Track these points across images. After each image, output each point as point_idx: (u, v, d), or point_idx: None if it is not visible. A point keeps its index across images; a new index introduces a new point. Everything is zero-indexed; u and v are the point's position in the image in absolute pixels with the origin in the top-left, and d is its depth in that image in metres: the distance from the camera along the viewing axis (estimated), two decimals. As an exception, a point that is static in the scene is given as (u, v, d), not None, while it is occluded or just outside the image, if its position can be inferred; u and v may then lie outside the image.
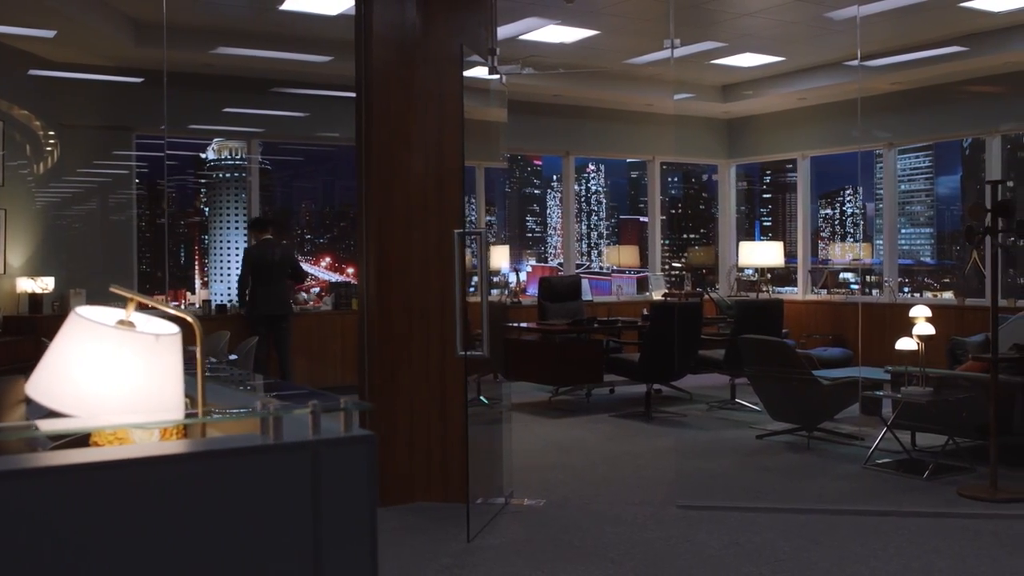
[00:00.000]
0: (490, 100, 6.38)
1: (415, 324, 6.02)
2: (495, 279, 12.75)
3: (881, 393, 7.21)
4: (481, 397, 7.86)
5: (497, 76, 6.09)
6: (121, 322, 2.17)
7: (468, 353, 5.39)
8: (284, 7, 8.48)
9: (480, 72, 6.14)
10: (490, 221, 12.76)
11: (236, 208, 13.07)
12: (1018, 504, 5.87)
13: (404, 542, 5.24)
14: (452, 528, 5.42)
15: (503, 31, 9.17)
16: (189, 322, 2.19)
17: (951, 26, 9.48)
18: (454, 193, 5.98)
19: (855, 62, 10.42)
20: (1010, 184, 13.07)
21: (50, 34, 8.64)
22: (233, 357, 7.58)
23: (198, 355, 2.19)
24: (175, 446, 1.98)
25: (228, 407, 2.29)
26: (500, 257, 12.36)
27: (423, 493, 6.03)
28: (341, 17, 8.44)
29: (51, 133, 10.03)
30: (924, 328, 6.92)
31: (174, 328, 2.20)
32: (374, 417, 6.03)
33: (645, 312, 10.37)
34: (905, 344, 6.84)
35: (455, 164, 5.94)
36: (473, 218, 12.21)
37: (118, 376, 2.07)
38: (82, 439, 2.28)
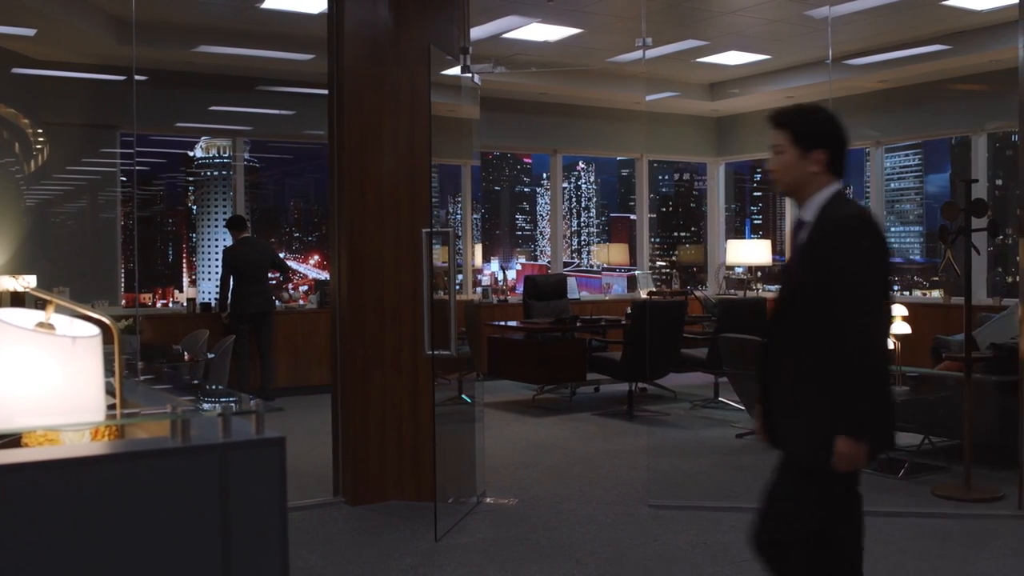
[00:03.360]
0: (464, 98, 6.37)
1: (387, 323, 6.02)
2: (482, 278, 12.76)
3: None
4: (463, 395, 7.85)
5: (469, 75, 6.08)
6: (40, 325, 2.17)
7: (435, 352, 5.38)
8: (264, 5, 8.47)
9: (455, 70, 6.13)
10: (475, 219, 12.75)
11: (224, 206, 13.07)
12: (990, 504, 5.87)
13: (371, 542, 5.23)
14: (421, 527, 5.42)
15: (485, 29, 9.18)
16: (107, 324, 2.19)
17: (934, 24, 9.47)
18: (425, 192, 5.97)
19: (837, 61, 10.43)
20: (999, 183, 13.09)
21: (30, 32, 8.63)
22: (211, 356, 7.57)
23: (116, 357, 2.19)
24: (85, 448, 1.98)
25: (153, 409, 2.28)
26: (477, 256, 12.37)
27: (395, 492, 6.03)
28: (322, 16, 8.41)
29: (39, 131, 10.04)
30: (899, 327, 6.91)
31: (94, 330, 2.20)
32: (346, 416, 6.03)
33: (629, 311, 10.35)
34: (881, 343, 6.83)
35: (427, 163, 5.94)
36: (459, 216, 12.21)
37: (33, 378, 2.07)
38: (15, 439, 2.28)
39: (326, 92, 6.21)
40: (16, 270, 9.33)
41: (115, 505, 1.81)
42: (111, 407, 2.25)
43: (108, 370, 2.42)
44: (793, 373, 3.13)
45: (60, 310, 2.25)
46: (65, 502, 1.77)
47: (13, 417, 2.06)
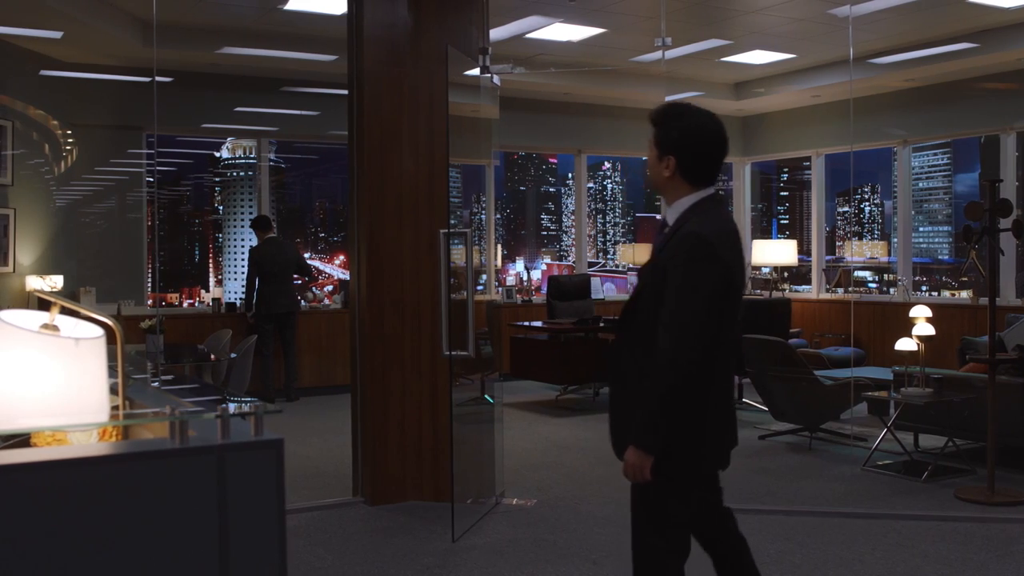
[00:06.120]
0: (483, 99, 6.37)
1: (406, 323, 6.03)
2: (507, 278, 12.75)
3: (876, 394, 7.14)
4: (486, 396, 7.85)
5: (488, 75, 6.08)
6: (45, 326, 2.19)
7: (454, 353, 5.39)
8: (288, 7, 8.52)
9: (475, 71, 6.14)
10: (498, 219, 12.76)
11: (250, 206, 13.15)
12: (1014, 508, 5.80)
13: (389, 542, 5.25)
14: (439, 528, 5.43)
15: (507, 29, 9.18)
16: (111, 326, 2.21)
17: (961, 22, 9.37)
18: (444, 192, 5.98)
19: (864, 59, 10.35)
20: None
21: (57, 35, 8.72)
22: (233, 356, 7.63)
23: (119, 358, 2.20)
24: (83, 449, 2.00)
25: (151, 410, 2.30)
26: (498, 255, 12.36)
27: (414, 492, 6.03)
28: (345, 17, 8.46)
29: (68, 133, 10.13)
30: (924, 328, 6.84)
31: (97, 331, 2.21)
32: (365, 417, 6.05)
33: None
34: (905, 344, 6.77)
35: (445, 163, 5.95)
36: (483, 217, 12.22)
37: (37, 380, 2.08)
38: (25, 439, 2.31)
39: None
40: (44, 270, 9.44)
41: (113, 505, 1.82)
42: (116, 408, 2.27)
43: (136, 370, 2.45)
44: (628, 374, 3.09)
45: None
46: (63, 502, 1.78)
47: (17, 418, 2.08)
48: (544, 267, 16.07)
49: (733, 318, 3.03)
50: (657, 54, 10.28)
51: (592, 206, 14.53)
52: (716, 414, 3.07)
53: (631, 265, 14.75)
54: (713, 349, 2.94)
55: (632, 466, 2.97)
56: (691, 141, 3.04)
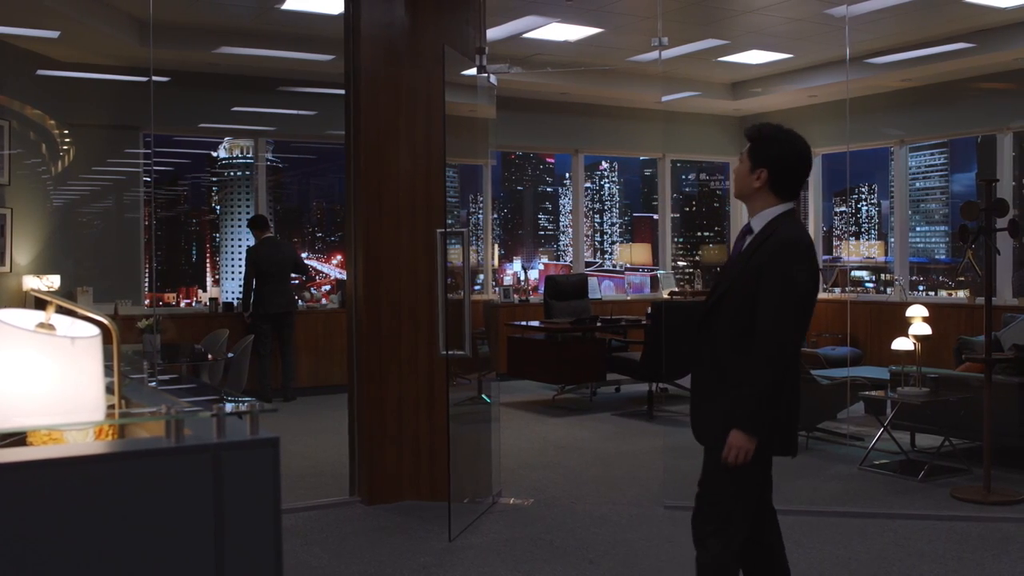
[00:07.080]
0: (480, 99, 6.37)
1: (404, 323, 6.03)
2: (504, 278, 12.74)
3: (873, 394, 7.14)
4: (483, 395, 7.84)
5: (485, 75, 6.09)
6: (41, 325, 2.19)
7: (450, 352, 5.39)
8: (285, 7, 8.52)
9: (472, 71, 6.14)
10: (495, 219, 12.76)
11: (247, 206, 13.15)
12: (1010, 507, 5.81)
13: (385, 541, 5.25)
14: (436, 527, 5.43)
15: (504, 29, 9.18)
16: (107, 326, 2.21)
17: (958, 22, 9.38)
18: (441, 192, 5.98)
19: (861, 59, 10.36)
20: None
21: (54, 35, 8.72)
22: (231, 355, 7.63)
23: (115, 357, 2.21)
24: (78, 448, 2.00)
25: (146, 409, 2.29)
26: (494, 256, 12.36)
27: (411, 492, 6.04)
28: (342, 16, 8.45)
29: (65, 133, 10.13)
30: (920, 328, 6.85)
31: (94, 331, 2.21)
32: (362, 416, 6.05)
33: (649, 311, 10.32)
34: (901, 344, 6.78)
35: (442, 163, 5.95)
36: (480, 217, 12.23)
37: (32, 379, 2.08)
38: (21, 438, 2.31)
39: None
40: (41, 270, 9.43)
41: (109, 504, 1.82)
42: (113, 407, 2.27)
43: (133, 369, 2.45)
44: (712, 366, 3.36)
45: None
46: (59, 501, 1.78)
47: (13, 417, 2.08)
48: (541, 267, 16.08)
49: (811, 315, 3.34)
50: (654, 54, 10.29)
51: (589, 206, 14.52)
52: (788, 401, 3.32)
53: (628, 264, 14.76)
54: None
55: (738, 448, 3.20)
56: (784, 158, 3.33)
